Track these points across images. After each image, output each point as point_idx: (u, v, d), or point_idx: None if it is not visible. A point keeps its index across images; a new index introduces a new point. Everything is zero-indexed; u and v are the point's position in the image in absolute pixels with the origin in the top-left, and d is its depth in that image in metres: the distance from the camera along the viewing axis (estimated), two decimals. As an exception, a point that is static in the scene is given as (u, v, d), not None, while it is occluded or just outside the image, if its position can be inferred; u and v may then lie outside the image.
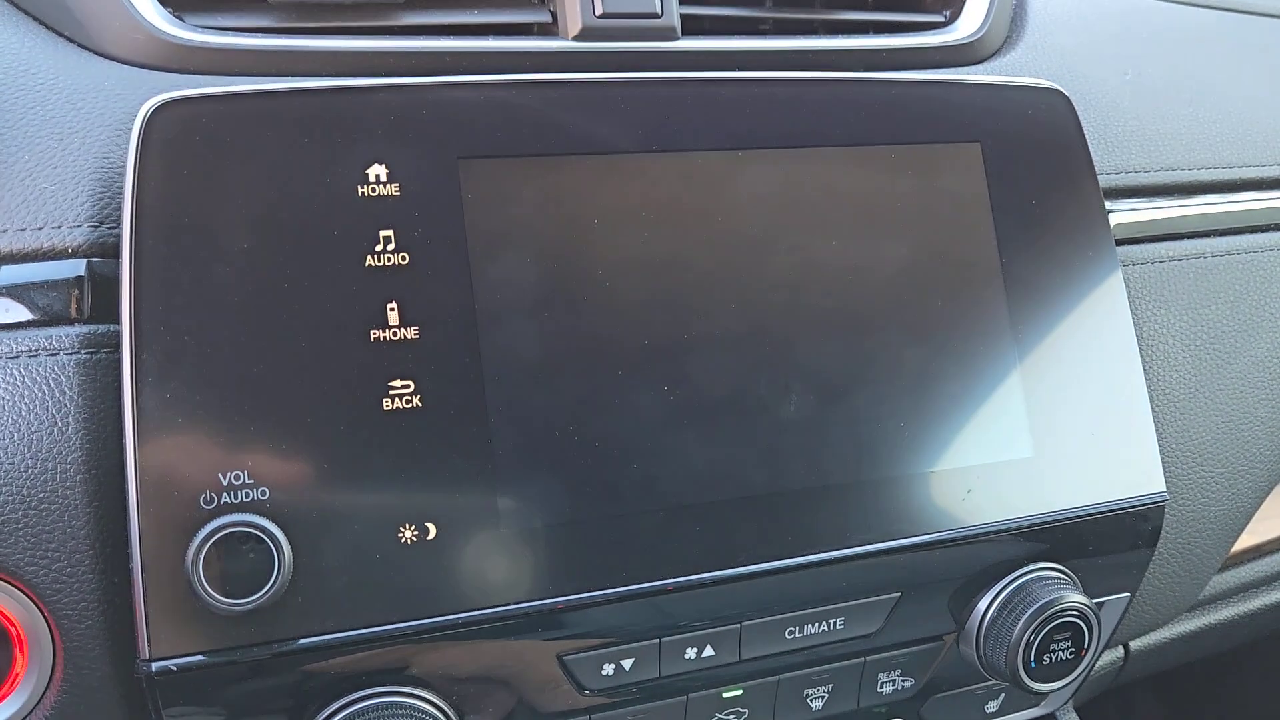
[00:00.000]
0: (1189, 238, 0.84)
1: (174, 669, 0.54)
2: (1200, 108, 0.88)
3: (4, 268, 0.59)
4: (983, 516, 0.69)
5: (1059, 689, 0.72)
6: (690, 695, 0.67)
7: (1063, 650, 0.70)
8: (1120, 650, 0.92)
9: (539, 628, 0.61)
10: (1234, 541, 0.86)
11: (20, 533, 0.56)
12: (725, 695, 0.68)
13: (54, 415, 0.57)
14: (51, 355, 0.58)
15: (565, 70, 0.70)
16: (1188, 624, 0.94)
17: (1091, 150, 0.76)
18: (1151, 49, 0.89)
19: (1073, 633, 0.70)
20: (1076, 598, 0.70)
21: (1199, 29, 0.94)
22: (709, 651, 0.65)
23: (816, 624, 0.67)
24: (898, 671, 0.72)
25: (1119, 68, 0.86)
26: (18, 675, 0.57)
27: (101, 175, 0.61)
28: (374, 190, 0.61)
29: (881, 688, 0.72)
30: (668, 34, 0.73)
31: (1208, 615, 0.95)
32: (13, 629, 0.57)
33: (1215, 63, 0.91)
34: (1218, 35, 0.94)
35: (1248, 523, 0.86)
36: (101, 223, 0.60)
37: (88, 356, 0.59)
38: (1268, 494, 0.87)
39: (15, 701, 0.58)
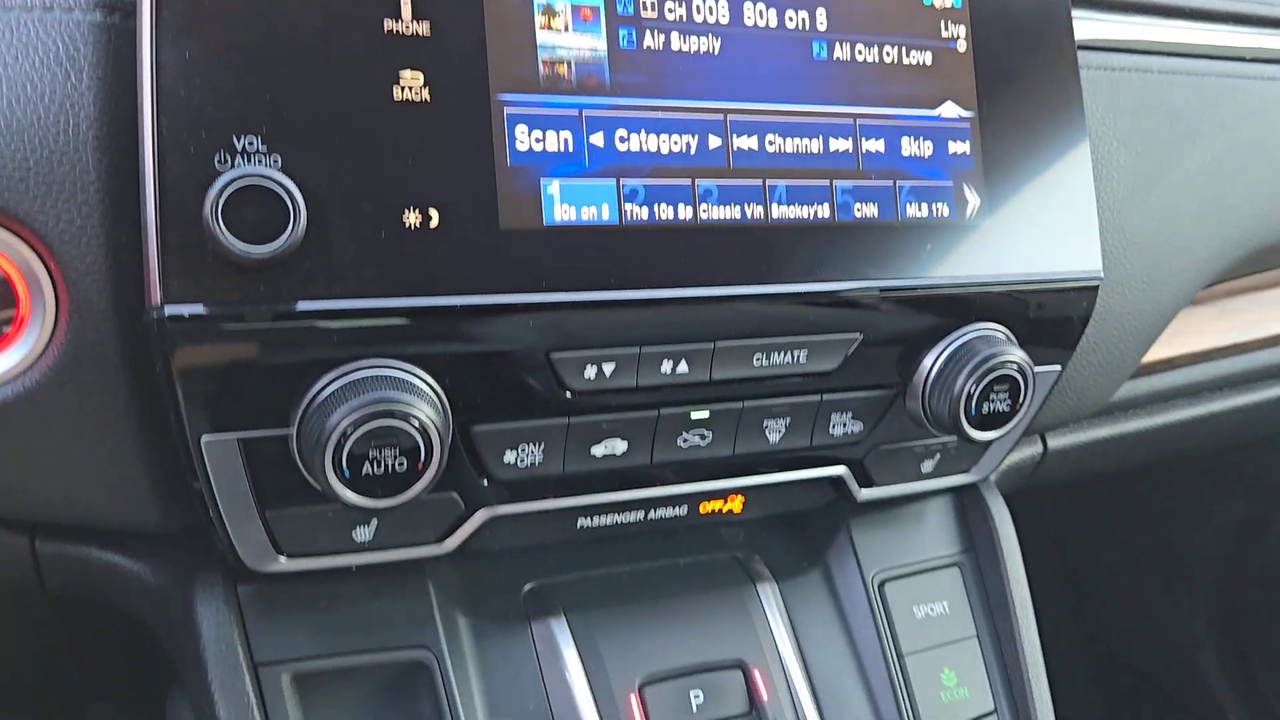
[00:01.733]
0: (1136, 53, 0.89)
1: (185, 315, 0.56)
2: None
3: (17, -77, 0.59)
4: (938, 271, 0.74)
5: (997, 438, 0.78)
6: (662, 410, 0.71)
7: (1000, 402, 0.76)
8: (1039, 445, 0.99)
9: (529, 323, 0.64)
10: (1152, 341, 0.93)
11: (30, 180, 0.57)
12: (693, 416, 0.72)
13: (68, 70, 0.58)
14: (67, 12, 0.59)
15: None
16: (1101, 430, 1.02)
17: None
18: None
19: (1010, 385, 0.76)
20: (1016, 353, 0.75)
21: None
22: (683, 368, 0.69)
23: (782, 354, 0.72)
24: (849, 414, 0.77)
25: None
26: (24, 319, 0.59)
27: None
28: (392, -114, 0.62)
29: (833, 429, 0.77)
30: None
31: (1119, 424, 1.03)
32: (16, 278, 0.58)
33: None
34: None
35: (1165, 325, 0.93)
36: (119, -112, 0.60)
37: (102, 19, 0.59)
38: (1187, 300, 0.94)
39: (20, 349, 0.59)
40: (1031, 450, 0.99)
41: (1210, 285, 0.99)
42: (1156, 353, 0.98)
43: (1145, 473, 1.83)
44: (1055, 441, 1.00)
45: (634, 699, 0.74)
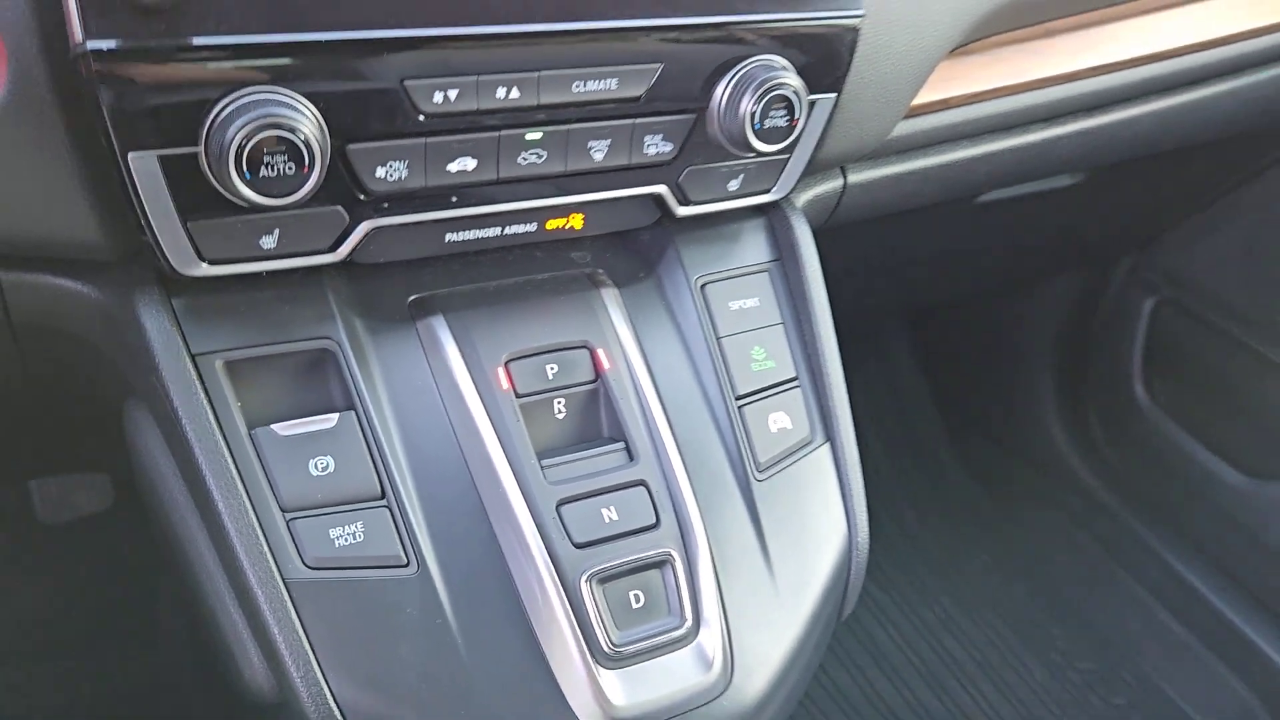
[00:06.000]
0: None
1: (104, 49, 0.72)
2: None
3: None
4: (722, 10, 0.91)
5: (777, 153, 0.97)
6: (502, 132, 0.88)
7: (779, 118, 0.95)
8: (841, 179, 1.19)
9: (383, 54, 0.80)
10: (921, 80, 1.11)
11: None
12: (528, 137, 0.89)
13: None
14: None
15: None
16: (894, 166, 1.22)
17: None
18: None
19: (786, 104, 0.94)
20: (789, 77, 0.94)
21: None
22: (515, 93, 0.86)
23: (597, 81, 0.89)
24: (660, 136, 0.95)
25: None
26: (-28, 66, 0.74)
27: None
28: None
29: (648, 148, 0.95)
30: None
31: (908, 162, 1.23)
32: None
33: None
34: None
35: (933, 65, 1.12)
36: None
37: None
38: (951, 43, 1.12)
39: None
40: (834, 183, 1.19)
41: (978, 36, 1.18)
42: (932, 95, 1.17)
43: (995, 252, 2.08)
44: (854, 176, 1.20)
45: (501, 371, 0.94)
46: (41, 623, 1.79)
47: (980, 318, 2.48)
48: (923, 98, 1.16)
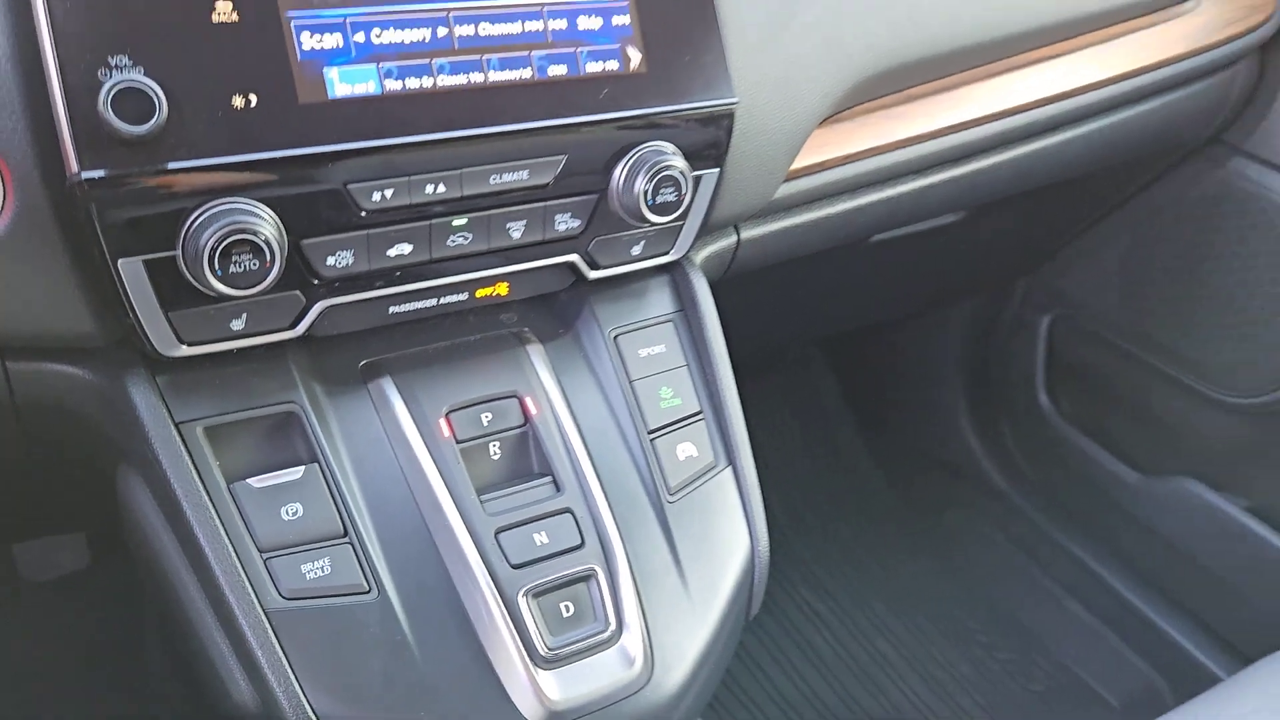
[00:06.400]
0: (760, -60, 1.23)
1: (95, 177, 0.87)
2: None
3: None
4: (614, 108, 1.08)
5: (671, 222, 1.14)
6: (433, 221, 1.04)
7: (669, 194, 1.11)
8: (734, 236, 1.36)
9: (329, 165, 0.96)
10: (795, 150, 1.28)
11: None
12: (455, 223, 1.05)
13: (-13, 23, 0.87)
14: None
15: None
16: (782, 222, 1.39)
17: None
18: None
19: (674, 183, 1.11)
20: (676, 160, 1.10)
21: None
22: (442, 188, 1.02)
23: (511, 173, 1.05)
24: (569, 214, 1.11)
25: None
26: (-14, 195, 0.88)
27: None
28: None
29: (559, 225, 1.11)
30: None
31: (794, 217, 1.40)
32: (-23, 168, 0.88)
33: None
34: None
35: (804, 138, 1.29)
36: None
37: (4, -15, 0.88)
38: (819, 118, 1.30)
39: (-17, 216, 0.89)
40: (728, 240, 1.36)
41: (845, 107, 1.36)
42: (809, 159, 1.35)
43: (895, 284, 2.27)
44: (747, 233, 1.37)
45: (443, 421, 1.09)
46: (33, 672, 1.91)
47: (894, 341, 2.68)
48: (801, 162, 1.34)
